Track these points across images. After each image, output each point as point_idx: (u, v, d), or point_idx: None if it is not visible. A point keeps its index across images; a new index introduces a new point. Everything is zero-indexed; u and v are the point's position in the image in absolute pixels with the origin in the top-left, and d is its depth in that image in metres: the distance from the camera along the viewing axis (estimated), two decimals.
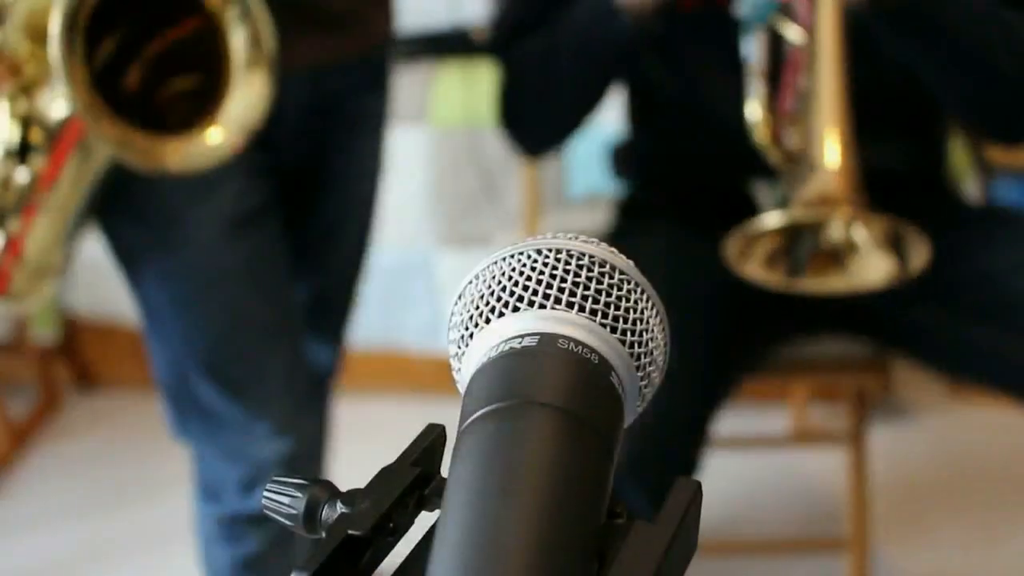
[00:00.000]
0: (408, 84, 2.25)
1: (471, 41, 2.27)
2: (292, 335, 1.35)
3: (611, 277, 0.46)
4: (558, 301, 0.45)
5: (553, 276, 0.45)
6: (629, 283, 0.46)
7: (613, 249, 0.47)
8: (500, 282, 0.46)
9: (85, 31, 1.02)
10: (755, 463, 2.15)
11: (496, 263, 0.47)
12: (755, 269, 1.32)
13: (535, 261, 0.46)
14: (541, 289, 0.45)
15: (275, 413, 1.32)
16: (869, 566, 1.78)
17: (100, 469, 2.34)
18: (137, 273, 1.29)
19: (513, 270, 0.46)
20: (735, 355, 1.49)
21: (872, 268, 1.31)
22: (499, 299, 0.45)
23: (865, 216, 1.25)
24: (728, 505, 2.08)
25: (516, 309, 0.45)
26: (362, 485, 0.45)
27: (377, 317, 2.34)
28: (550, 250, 0.46)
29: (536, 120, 1.53)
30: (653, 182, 1.64)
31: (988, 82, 1.38)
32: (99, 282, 2.13)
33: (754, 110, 1.34)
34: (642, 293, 0.47)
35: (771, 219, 1.25)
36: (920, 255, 1.27)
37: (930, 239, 1.42)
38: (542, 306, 0.45)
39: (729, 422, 1.71)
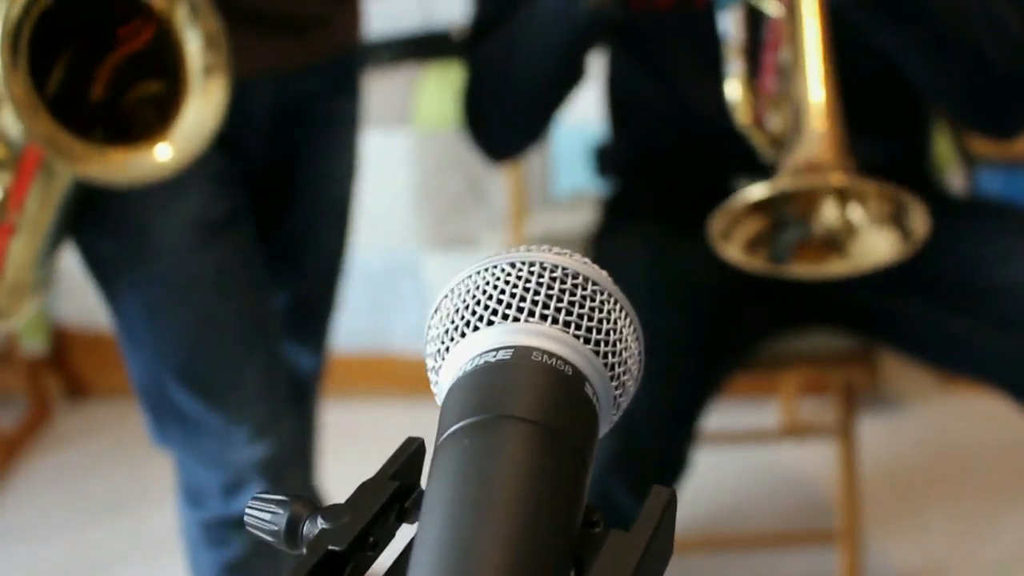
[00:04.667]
0: (392, 87, 2.25)
1: (453, 43, 2.27)
2: (267, 340, 1.35)
3: (584, 288, 0.46)
4: (531, 314, 0.45)
5: (527, 289, 0.46)
6: (602, 294, 0.47)
7: (587, 260, 0.48)
8: (475, 296, 0.46)
9: (33, 29, 1.02)
10: (745, 458, 2.16)
11: (471, 276, 0.47)
12: (735, 252, 1.28)
13: (508, 274, 0.46)
14: (515, 302, 0.45)
15: (252, 418, 1.32)
16: (861, 558, 1.79)
17: (92, 479, 2.34)
18: (109, 284, 1.29)
19: (487, 283, 0.46)
20: (721, 351, 1.49)
21: (875, 247, 1.27)
22: (474, 313, 0.46)
23: (856, 181, 1.20)
24: (719, 500, 2.09)
25: (491, 323, 0.46)
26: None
27: (365, 320, 2.35)
28: (523, 263, 0.46)
29: (499, 121, 1.48)
30: (636, 182, 1.64)
31: (974, 71, 1.34)
32: (87, 292, 2.12)
33: (734, 89, 1.28)
34: (615, 303, 0.47)
35: (757, 190, 1.20)
36: (920, 221, 1.21)
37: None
38: (516, 319, 0.45)
39: (719, 417, 1.72)
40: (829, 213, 1.29)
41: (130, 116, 1.15)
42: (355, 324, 2.29)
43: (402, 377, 2.41)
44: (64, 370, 2.59)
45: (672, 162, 1.59)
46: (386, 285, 2.33)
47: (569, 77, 1.42)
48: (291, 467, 1.40)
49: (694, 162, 1.55)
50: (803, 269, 1.31)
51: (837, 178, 1.19)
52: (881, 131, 1.53)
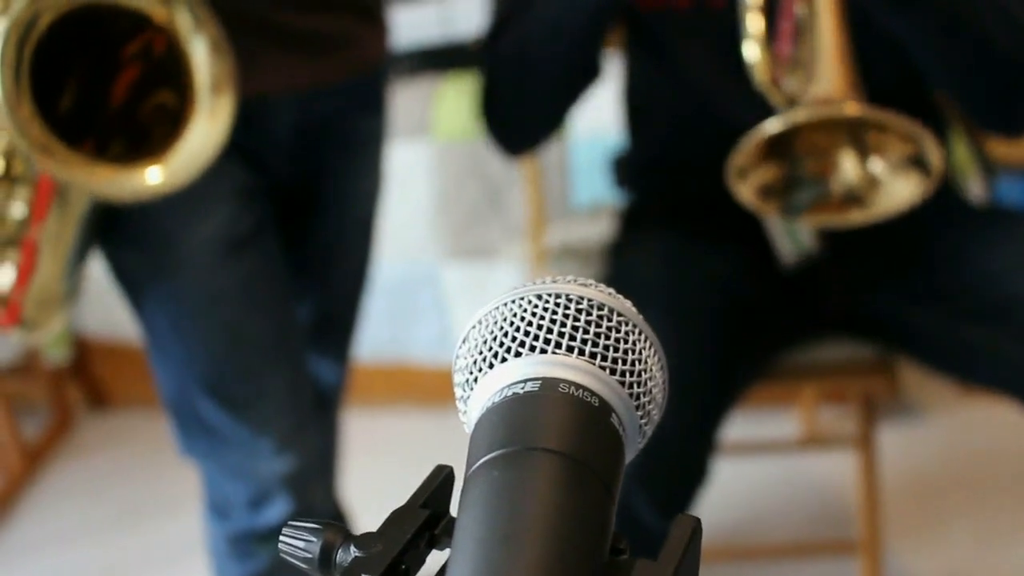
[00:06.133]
0: (411, 98, 2.26)
1: (472, 54, 2.28)
2: (293, 353, 1.36)
3: (609, 320, 0.47)
4: (558, 346, 0.46)
5: (553, 321, 0.47)
6: (627, 325, 0.48)
7: (612, 291, 0.48)
8: (502, 327, 0.47)
9: (39, 45, 1.03)
10: (766, 468, 2.16)
11: (498, 308, 0.48)
12: (749, 193, 1.28)
13: (535, 306, 0.47)
14: (542, 334, 0.46)
15: (278, 430, 1.33)
16: (882, 568, 1.78)
17: (113, 488, 2.35)
18: (137, 296, 1.30)
19: (514, 315, 0.47)
20: (739, 362, 1.49)
21: (898, 192, 1.28)
22: (501, 344, 0.47)
23: (870, 111, 1.21)
24: (740, 510, 2.09)
25: (518, 354, 0.46)
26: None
27: (385, 330, 2.36)
28: (550, 295, 0.47)
29: (514, 112, 1.49)
30: (654, 192, 1.65)
31: (983, 59, 1.34)
32: (109, 302, 2.14)
33: (752, 50, 1.28)
34: (640, 334, 0.48)
35: (773, 124, 1.21)
36: (936, 154, 1.22)
37: (931, 239, 1.41)
38: (543, 351, 0.46)
39: (739, 427, 1.72)
40: (847, 168, 1.29)
41: (147, 130, 1.16)
42: (375, 334, 2.30)
43: (421, 387, 2.42)
44: (86, 380, 2.61)
45: (690, 169, 1.59)
46: (405, 296, 2.34)
47: (584, 68, 1.43)
48: (315, 479, 1.41)
49: (712, 169, 1.55)
50: (823, 219, 1.32)
51: (851, 108, 1.21)
52: None
